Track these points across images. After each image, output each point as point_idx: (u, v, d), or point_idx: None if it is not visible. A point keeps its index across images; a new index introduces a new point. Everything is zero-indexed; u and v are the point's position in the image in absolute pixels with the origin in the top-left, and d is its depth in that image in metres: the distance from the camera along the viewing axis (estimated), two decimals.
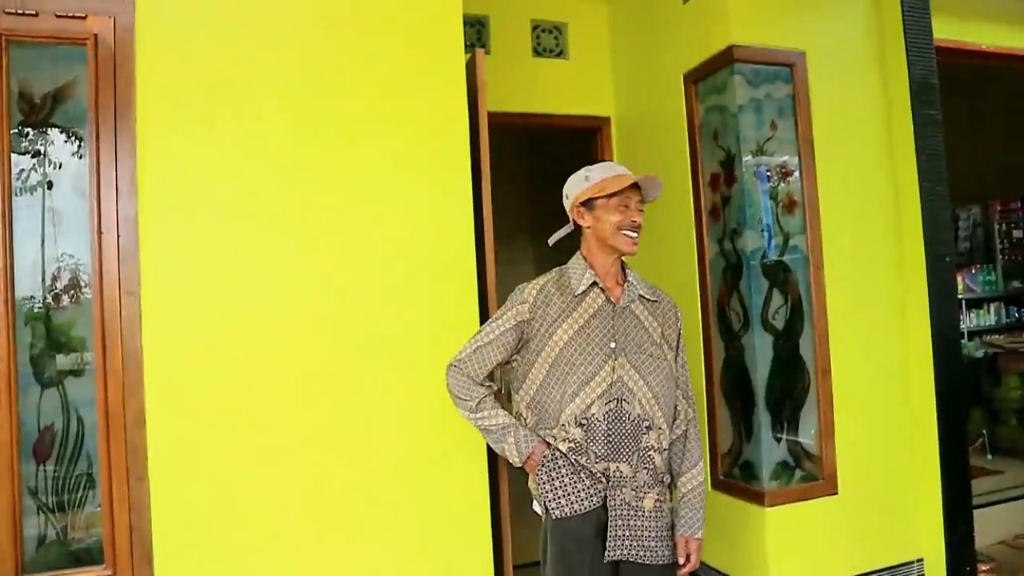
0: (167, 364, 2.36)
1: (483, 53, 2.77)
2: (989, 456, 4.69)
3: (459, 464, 2.59)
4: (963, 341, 5.05)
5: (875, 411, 3.34)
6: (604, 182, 1.95)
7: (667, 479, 2.01)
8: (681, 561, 1.99)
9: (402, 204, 2.59)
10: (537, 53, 4.01)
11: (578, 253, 2.05)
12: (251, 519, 2.41)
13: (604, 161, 2.05)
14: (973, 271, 5.57)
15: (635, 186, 1.96)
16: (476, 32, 3.85)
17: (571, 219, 2.05)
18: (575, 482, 1.88)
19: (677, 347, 2.08)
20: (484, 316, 2.65)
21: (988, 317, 5.58)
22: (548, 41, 4.03)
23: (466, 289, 2.63)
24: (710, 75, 3.29)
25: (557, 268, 2.05)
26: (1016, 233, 5.76)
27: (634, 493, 1.90)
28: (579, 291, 1.94)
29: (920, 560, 3.39)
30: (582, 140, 4.21)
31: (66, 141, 2.36)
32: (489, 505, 2.63)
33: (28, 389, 2.30)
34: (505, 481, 2.70)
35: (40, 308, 2.32)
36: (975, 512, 3.41)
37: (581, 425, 1.87)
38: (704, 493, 2.05)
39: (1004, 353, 5.02)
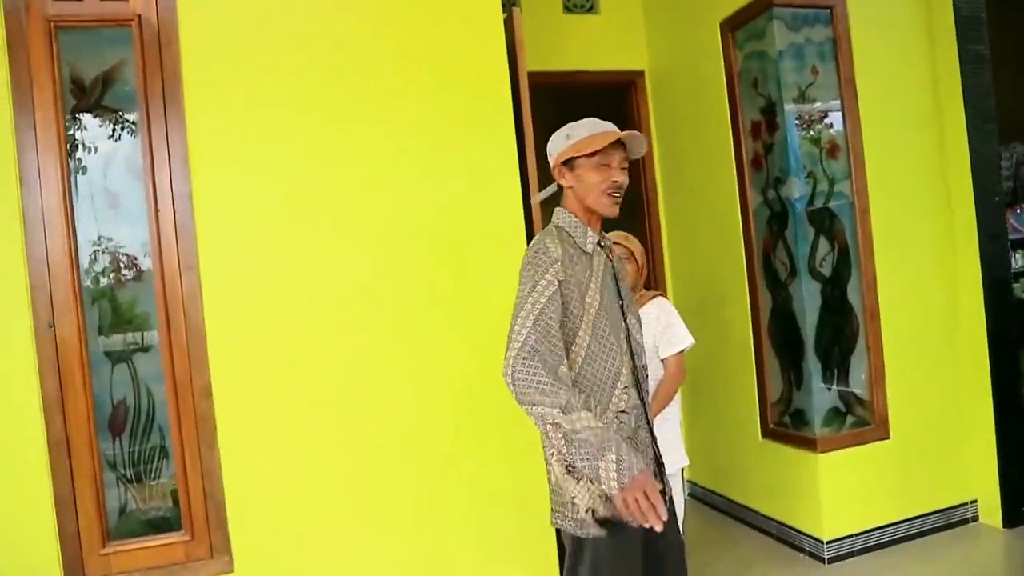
0: (229, 337, 2.42)
1: (519, 12, 2.75)
2: None
3: (521, 434, 2.54)
4: None
5: (925, 354, 3.32)
6: (584, 140, 1.80)
7: None
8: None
9: (451, 168, 2.60)
10: (567, 9, 3.97)
11: (563, 210, 1.86)
12: (317, 484, 2.49)
13: (589, 118, 1.86)
14: (1018, 211, 5.44)
15: (619, 144, 1.80)
16: None
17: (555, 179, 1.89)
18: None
19: None
20: None
21: None
22: None
23: (516, 249, 2.64)
24: (748, 21, 3.23)
25: (553, 227, 1.84)
26: None
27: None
28: (589, 250, 1.81)
29: (974, 501, 3.39)
30: (616, 95, 4.17)
31: (117, 123, 2.40)
32: None
33: (99, 366, 2.38)
34: None
35: (105, 287, 2.39)
36: None
37: (631, 387, 1.79)
38: None
39: None
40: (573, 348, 1.73)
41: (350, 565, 2.51)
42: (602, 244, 1.86)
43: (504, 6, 2.69)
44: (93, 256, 2.38)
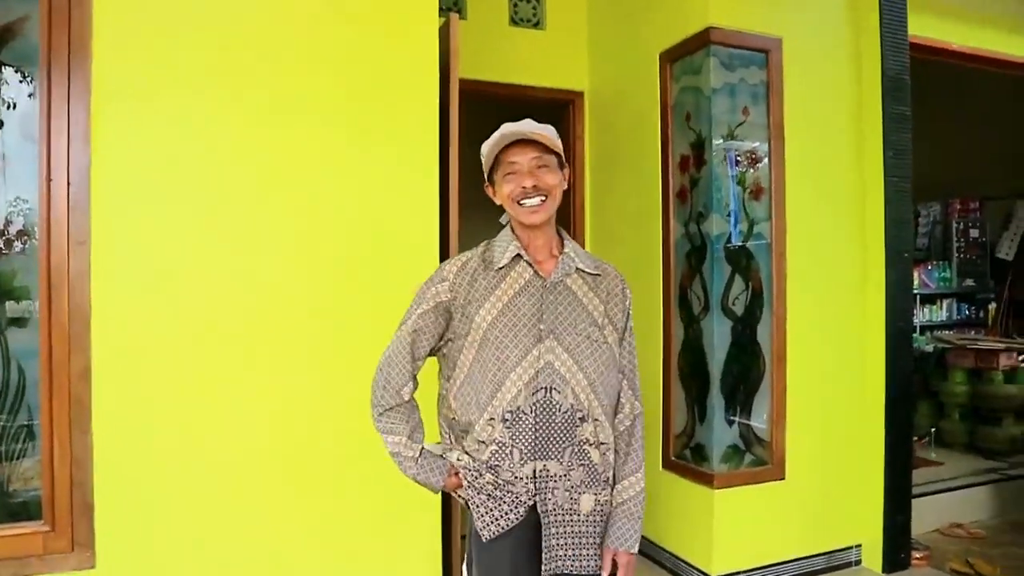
0: (116, 319, 2.29)
1: (457, 18, 2.71)
2: (933, 455, 4.82)
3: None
4: (914, 335, 5.16)
5: (827, 399, 3.40)
6: (486, 156, 1.68)
7: (609, 478, 1.71)
8: (605, 574, 1.68)
9: (366, 170, 2.53)
10: (514, 22, 3.95)
11: (509, 224, 1.76)
12: (195, 482, 2.37)
13: (502, 126, 1.67)
14: (929, 267, 5.69)
15: (527, 141, 1.62)
16: None
17: None
18: (498, 497, 1.63)
19: (624, 328, 1.75)
20: None
21: (940, 312, 5.74)
22: (525, 10, 3.96)
23: (427, 261, 2.58)
24: (686, 56, 3.27)
25: (485, 241, 1.76)
26: (972, 232, 5.90)
27: (567, 495, 1.64)
28: (500, 265, 1.66)
29: (858, 546, 3.48)
30: (555, 113, 4.17)
31: (19, 81, 2.25)
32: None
33: None
34: None
35: None
36: (913, 501, 3.53)
37: (505, 421, 1.61)
38: (643, 503, 1.74)
39: (953, 348, 5.15)
40: (456, 367, 1.69)
41: (224, 565, 2.40)
42: (522, 257, 1.67)
43: (442, 11, 2.64)
44: None
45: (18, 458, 2.28)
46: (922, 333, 5.51)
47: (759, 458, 3.26)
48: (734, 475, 3.20)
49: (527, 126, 1.64)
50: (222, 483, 2.40)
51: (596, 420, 1.66)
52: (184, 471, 2.36)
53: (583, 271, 1.73)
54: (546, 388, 1.61)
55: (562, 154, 1.70)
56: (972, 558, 3.51)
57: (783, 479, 3.28)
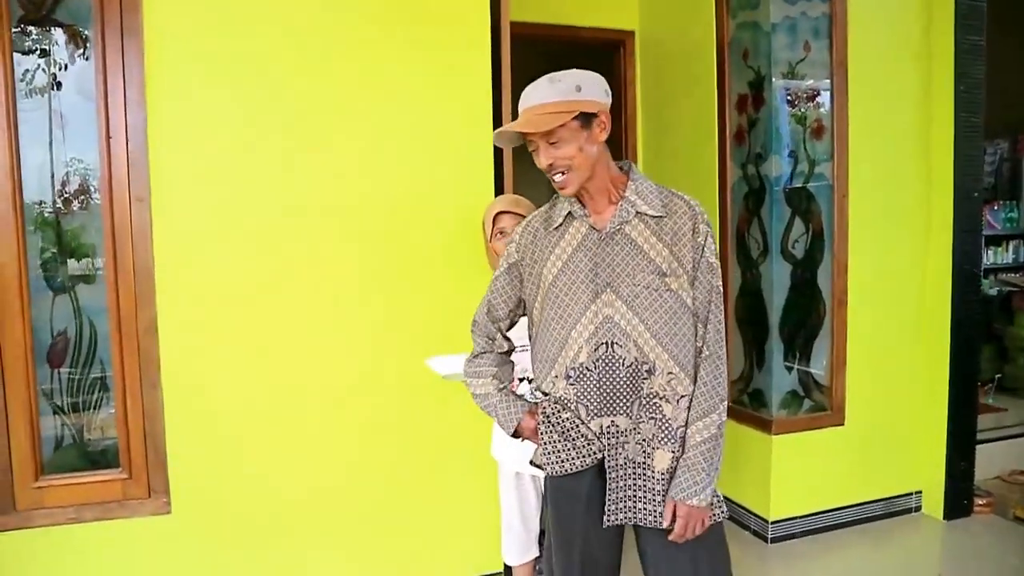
0: (178, 273, 2.33)
1: None
2: (990, 400, 4.68)
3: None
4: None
5: (888, 344, 3.32)
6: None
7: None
8: (665, 525, 1.61)
9: (419, 116, 2.50)
10: None
11: None
12: (262, 429, 2.44)
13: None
14: (995, 207, 5.44)
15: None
16: None
17: None
18: (572, 438, 1.64)
19: (696, 267, 1.62)
20: None
21: (1006, 255, 5.50)
22: None
23: (482, 208, 2.55)
24: None
25: (553, 197, 1.74)
26: None
27: (639, 448, 1.61)
28: (557, 224, 1.67)
29: (918, 492, 3.43)
30: (604, 55, 4.05)
31: (70, 41, 2.26)
32: None
33: (40, 295, 2.28)
34: None
35: (50, 213, 2.28)
36: (976, 447, 3.45)
37: (568, 378, 1.62)
38: (715, 449, 1.61)
39: (1018, 292, 4.97)
40: (534, 326, 1.76)
41: (290, 511, 2.48)
42: (577, 212, 1.64)
43: None
44: (39, 180, 2.26)
45: (94, 409, 2.36)
46: (986, 276, 5.30)
47: (818, 404, 3.22)
48: (792, 421, 3.16)
49: (524, 109, 1.57)
50: (289, 432, 2.46)
51: (670, 373, 1.60)
52: (252, 421, 2.42)
53: (645, 215, 1.62)
54: (607, 343, 1.60)
55: (583, 108, 1.55)
56: None
57: (842, 425, 3.23)
